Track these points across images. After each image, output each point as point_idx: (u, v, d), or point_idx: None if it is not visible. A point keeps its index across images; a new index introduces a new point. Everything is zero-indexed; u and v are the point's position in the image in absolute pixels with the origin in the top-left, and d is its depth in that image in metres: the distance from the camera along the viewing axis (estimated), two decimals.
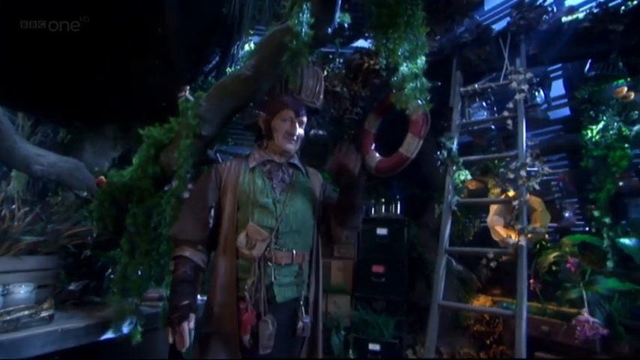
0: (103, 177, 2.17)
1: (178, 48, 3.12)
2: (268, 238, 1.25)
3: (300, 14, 1.43)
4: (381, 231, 3.05)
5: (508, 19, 2.33)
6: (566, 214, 2.73)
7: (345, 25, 1.65)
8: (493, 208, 2.82)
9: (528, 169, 1.83)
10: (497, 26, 2.51)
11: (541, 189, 2.99)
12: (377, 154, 2.83)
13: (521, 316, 1.63)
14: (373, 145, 2.87)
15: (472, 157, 2.19)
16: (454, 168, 2.02)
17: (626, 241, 2.12)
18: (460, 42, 2.38)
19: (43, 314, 1.66)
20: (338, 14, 1.58)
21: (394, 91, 1.38)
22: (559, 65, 2.74)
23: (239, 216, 1.30)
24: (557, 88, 2.87)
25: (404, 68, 1.36)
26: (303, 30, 1.41)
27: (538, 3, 2.17)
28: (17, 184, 3.04)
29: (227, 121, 1.85)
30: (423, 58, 1.42)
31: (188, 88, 1.71)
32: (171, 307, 1.20)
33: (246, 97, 1.71)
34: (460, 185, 2.08)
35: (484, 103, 2.43)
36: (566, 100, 2.80)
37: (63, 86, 2.95)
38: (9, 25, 2.42)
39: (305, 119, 1.44)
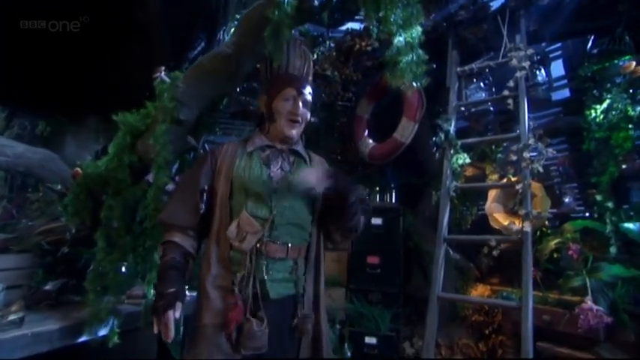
0: (78, 169, 2.03)
1: (161, 34, 2.95)
2: (260, 231, 1.16)
3: None
4: (376, 221, 2.95)
5: None
6: (566, 200, 2.65)
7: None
8: (491, 194, 2.73)
9: (531, 152, 1.72)
10: (496, 4, 2.37)
11: (541, 173, 2.91)
12: (370, 141, 2.71)
13: (527, 307, 1.54)
14: (366, 131, 2.75)
15: (471, 140, 2.08)
16: (452, 151, 1.91)
17: (629, 225, 2.04)
18: (455, 20, 2.25)
19: (12, 317, 1.54)
20: None
21: (388, 66, 1.25)
22: (558, 45, 2.63)
23: (232, 204, 1.21)
24: (557, 68, 2.76)
25: (398, 39, 1.23)
26: (286, 0, 1.27)
27: None
28: None
29: (208, 105, 1.72)
30: (419, 28, 1.29)
31: (163, 68, 1.56)
32: (157, 295, 1.13)
33: (226, 76, 1.57)
34: (458, 170, 1.97)
35: (482, 84, 2.32)
36: (565, 82, 2.69)
37: (40, 76, 2.79)
38: None
39: (309, 98, 1.30)
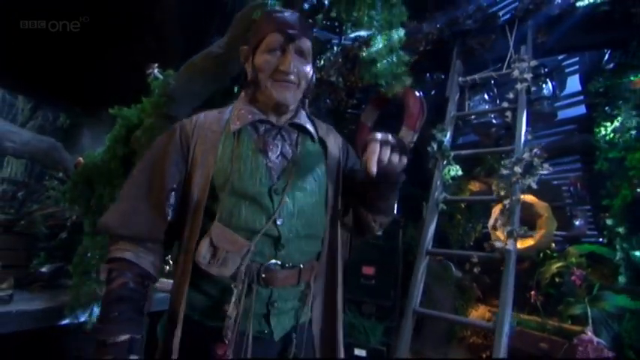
0: (81, 158, 2.13)
1: (177, 34, 3.09)
2: (246, 246, 0.81)
3: None
4: None
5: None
6: (577, 222, 2.49)
7: (326, 2, 1.51)
8: (495, 211, 2.61)
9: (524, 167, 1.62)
10: (504, 13, 2.30)
11: (550, 194, 2.75)
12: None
13: (501, 330, 1.44)
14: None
15: (464, 152, 2.01)
16: (444, 162, 1.85)
17: None
18: (462, 29, 2.20)
19: (1, 294, 1.62)
20: None
21: (364, 67, 1.24)
22: (575, 59, 2.51)
23: (221, 209, 0.82)
24: (574, 83, 2.63)
25: (377, 41, 1.22)
26: (269, 2, 1.29)
27: None
28: (15, 166, 3.09)
29: (200, 102, 1.76)
30: (401, 30, 1.27)
31: (156, 65, 1.62)
32: (99, 344, 0.76)
33: (216, 75, 1.61)
34: (450, 182, 1.90)
35: (486, 96, 2.24)
36: (581, 97, 2.56)
37: (63, 71, 2.98)
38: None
39: (308, 46, 0.88)
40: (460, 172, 1.90)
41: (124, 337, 0.76)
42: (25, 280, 1.92)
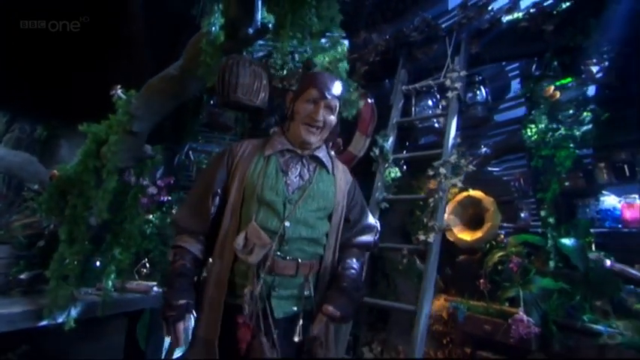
0: (55, 171, 2.27)
1: (145, 49, 3.22)
2: (269, 244, 1.09)
3: (213, 15, 1.49)
4: None
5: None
6: (523, 215, 2.72)
7: (270, 25, 1.69)
8: (449, 208, 2.82)
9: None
10: (446, 26, 2.51)
11: (499, 189, 2.97)
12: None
13: (421, 313, 1.64)
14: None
15: (401, 155, 2.21)
16: (385, 165, 2.05)
17: (566, 241, 2.12)
18: (408, 41, 2.40)
19: None
20: (259, 15, 1.63)
21: None
22: (516, 65, 2.74)
23: (243, 212, 1.15)
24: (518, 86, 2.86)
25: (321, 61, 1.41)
26: (213, 30, 1.47)
27: (481, 3, 2.19)
28: None
29: (160, 119, 1.92)
30: (339, 49, 1.45)
31: (119, 86, 1.78)
32: (167, 304, 1.08)
33: (172, 95, 1.78)
34: (390, 182, 2.11)
35: (430, 102, 2.45)
36: (522, 100, 2.79)
37: (40, 84, 3.10)
38: None
39: (336, 104, 1.20)
40: (399, 174, 2.10)
41: (183, 301, 1.08)
42: (5, 287, 2.06)
